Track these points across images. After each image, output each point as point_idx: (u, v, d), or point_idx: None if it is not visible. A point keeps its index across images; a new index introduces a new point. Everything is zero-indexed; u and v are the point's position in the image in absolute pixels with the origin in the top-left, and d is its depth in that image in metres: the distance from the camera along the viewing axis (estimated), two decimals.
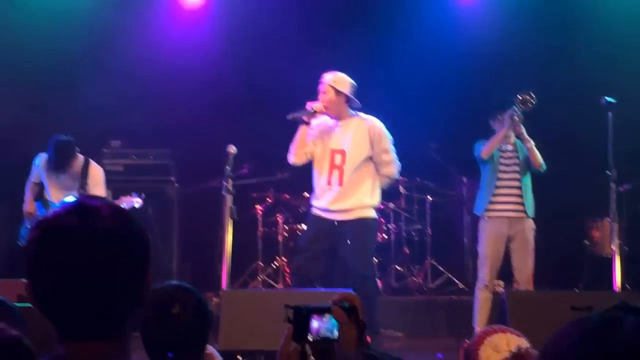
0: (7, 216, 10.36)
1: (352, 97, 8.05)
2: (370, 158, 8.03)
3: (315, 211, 8.25)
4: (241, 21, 11.49)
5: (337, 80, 8.02)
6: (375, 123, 8.10)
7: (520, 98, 8.46)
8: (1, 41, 10.76)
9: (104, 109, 9.72)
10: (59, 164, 8.73)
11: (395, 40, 11.23)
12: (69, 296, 2.01)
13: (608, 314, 1.47)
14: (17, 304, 3.76)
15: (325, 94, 8.00)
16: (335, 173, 8.05)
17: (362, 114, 8.16)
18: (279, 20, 11.16)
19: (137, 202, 8.91)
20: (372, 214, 8.16)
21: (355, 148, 7.99)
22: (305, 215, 8.63)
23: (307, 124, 8.09)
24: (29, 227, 2.08)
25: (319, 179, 8.17)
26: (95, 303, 2.01)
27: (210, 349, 3.80)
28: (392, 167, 8.12)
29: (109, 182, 9.25)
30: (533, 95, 8.46)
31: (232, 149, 8.13)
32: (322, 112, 8.05)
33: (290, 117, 8.11)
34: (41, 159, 8.96)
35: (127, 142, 10.32)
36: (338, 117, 8.12)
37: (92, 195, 1.95)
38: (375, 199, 8.16)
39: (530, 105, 8.49)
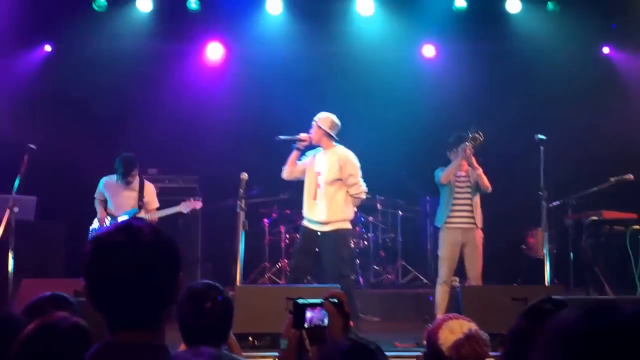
0: (65, 227, 10.34)
1: (329, 132, 8.21)
2: (341, 180, 8.15)
3: (304, 222, 8.37)
4: (252, 74, 11.54)
5: (321, 118, 8.26)
6: (345, 152, 8.28)
7: (471, 135, 8.52)
8: (73, 92, 10.80)
9: (144, 144, 9.74)
10: (126, 172, 8.83)
11: (375, 88, 11.28)
12: (117, 295, 2.05)
13: (606, 306, 1.39)
14: (75, 299, 3.76)
15: (312, 128, 8.26)
16: (318, 191, 8.20)
17: (341, 147, 8.32)
18: (282, 72, 11.22)
19: (197, 205, 9.12)
20: (346, 225, 8.28)
21: (328, 170, 8.18)
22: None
23: (299, 149, 8.34)
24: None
25: (307, 196, 8.31)
26: (138, 300, 2.04)
27: (230, 334, 3.83)
28: (358, 188, 8.24)
29: None
30: (481, 133, 8.53)
31: (245, 176, 8.20)
32: (305, 140, 8.28)
33: (278, 138, 8.37)
34: (105, 181, 9.06)
35: (162, 170, 10.33)
36: (322, 146, 8.30)
37: (137, 218, 1.96)
38: (348, 213, 8.27)
39: (479, 141, 8.54)
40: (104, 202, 9.06)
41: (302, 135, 8.30)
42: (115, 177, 9.01)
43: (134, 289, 2.03)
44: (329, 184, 8.14)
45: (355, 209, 10.83)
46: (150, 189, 9.20)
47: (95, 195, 9.10)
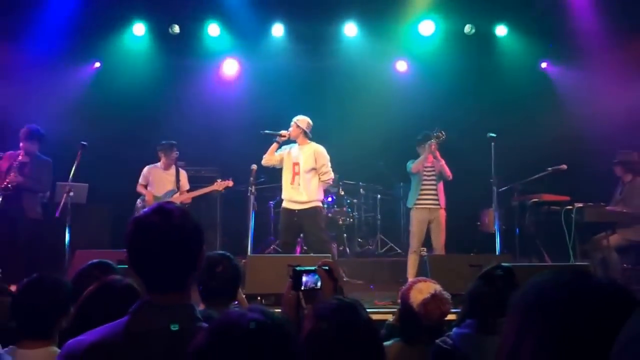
0: (111, 208, 10.33)
1: (306, 130, 8.29)
2: (315, 169, 8.19)
3: (285, 204, 8.34)
4: (260, 84, 11.56)
5: (299, 119, 8.33)
6: (319, 147, 8.34)
7: (436, 134, 8.54)
8: (117, 99, 10.79)
9: (174, 141, 9.73)
10: (171, 147, 9.24)
11: (358, 96, 11.27)
12: (152, 264, 2.06)
13: (574, 273, 1.33)
14: (118, 266, 3.78)
15: (292, 126, 8.31)
16: (297, 177, 8.21)
17: (314, 143, 8.36)
18: (284, 82, 11.26)
19: (229, 183, 9.22)
20: (320, 204, 8.34)
21: (305, 161, 8.22)
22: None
23: (278, 142, 8.35)
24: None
25: (286, 181, 8.32)
26: (170, 268, 2.06)
27: (240, 293, 3.83)
28: (328, 175, 8.29)
29: None
30: (443, 132, 8.55)
31: (254, 167, 8.22)
32: (285, 136, 8.32)
33: (263, 132, 8.40)
34: (149, 168, 9.30)
35: (188, 162, 10.29)
36: (298, 142, 8.33)
37: (168, 202, 1.98)
38: (320, 195, 8.35)
39: (442, 138, 8.56)
40: (145, 187, 9.19)
41: (283, 132, 8.33)
42: (157, 165, 9.30)
43: (165, 259, 2.04)
44: (306, 172, 8.18)
45: (343, 193, 10.95)
46: (183, 175, 9.42)
47: (140, 181, 9.27)
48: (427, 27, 11.27)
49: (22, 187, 8.25)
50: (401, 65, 12.05)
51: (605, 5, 10.37)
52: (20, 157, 8.32)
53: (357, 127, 10.98)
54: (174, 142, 9.39)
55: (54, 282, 3.17)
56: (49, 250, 8.61)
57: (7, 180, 8.24)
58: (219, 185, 9.20)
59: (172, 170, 9.34)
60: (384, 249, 11.29)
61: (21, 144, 8.36)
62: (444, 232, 8.64)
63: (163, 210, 2.08)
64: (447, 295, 3.62)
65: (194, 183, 9.73)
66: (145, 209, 2.13)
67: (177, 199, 9.07)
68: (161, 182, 9.25)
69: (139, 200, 9.18)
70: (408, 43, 11.51)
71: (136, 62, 11.26)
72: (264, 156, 8.37)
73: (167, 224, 2.04)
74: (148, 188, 9.21)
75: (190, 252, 2.09)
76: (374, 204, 11.63)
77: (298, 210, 8.15)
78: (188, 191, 9.34)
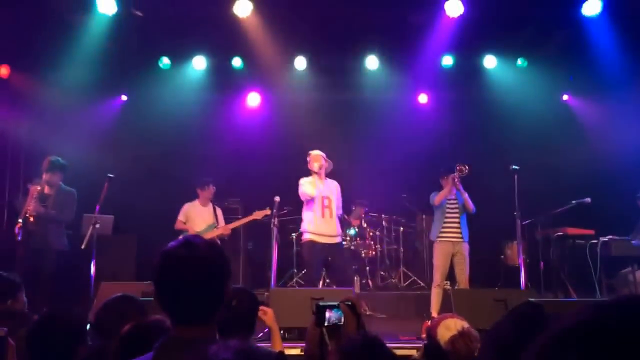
0: (136, 241, 10.38)
1: (329, 162, 8.47)
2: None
3: (313, 238, 8.27)
4: (283, 116, 11.62)
5: (324, 154, 8.46)
6: (336, 183, 8.53)
7: (458, 167, 8.50)
8: (143, 132, 10.91)
9: (198, 172, 9.80)
10: (207, 182, 9.56)
11: (380, 128, 11.27)
12: (179, 297, 2.05)
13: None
14: (142, 299, 3.77)
15: (319, 160, 8.38)
16: (326, 211, 8.26)
17: (329, 178, 8.52)
18: (306, 115, 11.28)
19: (267, 212, 9.18)
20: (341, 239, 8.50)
21: (334, 195, 8.36)
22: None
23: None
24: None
25: (316, 215, 8.28)
26: (196, 301, 2.05)
27: (272, 317, 3.80)
28: (341, 209, 8.52)
29: None
30: (467, 165, 8.50)
31: (277, 199, 8.21)
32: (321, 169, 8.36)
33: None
34: (188, 205, 9.58)
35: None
36: (320, 175, 8.39)
37: (195, 235, 2.01)
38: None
39: (465, 171, 8.52)
40: (184, 223, 9.44)
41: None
42: (195, 201, 9.59)
43: (192, 292, 2.03)
44: (334, 206, 8.29)
45: (365, 225, 10.94)
46: (219, 211, 9.74)
47: (179, 218, 9.49)
48: (448, 61, 11.28)
49: (43, 217, 8.25)
50: (422, 98, 12.07)
51: (625, 38, 10.33)
52: (39, 188, 8.33)
53: (380, 159, 10.98)
54: (209, 178, 9.61)
55: (65, 315, 3.17)
56: (74, 281, 8.64)
57: (27, 211, 8.24)
58: (258, 214, 9.34)
59: (210, 206, 9.62)
60: (407, 283, 11.18)
61: (43, 176, 8.39)
62: (468, 265, 8.55)
63: (190, 244, 2.08)
64: (475, 332, 3.57)
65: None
66: (172, 242, 2.13)
67: (217, 231, 9.31)
68: (201, 217, 9.48)
69: (180, 237, 9.24)
70: (429, 76, 11.52)
71: (162, 95, 11.39)
72: (308, 188, 8.30)
73: (194, 256, 2.04)
74: (188, 224, 9.37)
75: (216, 286, 2.08)
76: (397, 236, 11.56)
77: (329, 244, 8.15)
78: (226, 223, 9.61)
